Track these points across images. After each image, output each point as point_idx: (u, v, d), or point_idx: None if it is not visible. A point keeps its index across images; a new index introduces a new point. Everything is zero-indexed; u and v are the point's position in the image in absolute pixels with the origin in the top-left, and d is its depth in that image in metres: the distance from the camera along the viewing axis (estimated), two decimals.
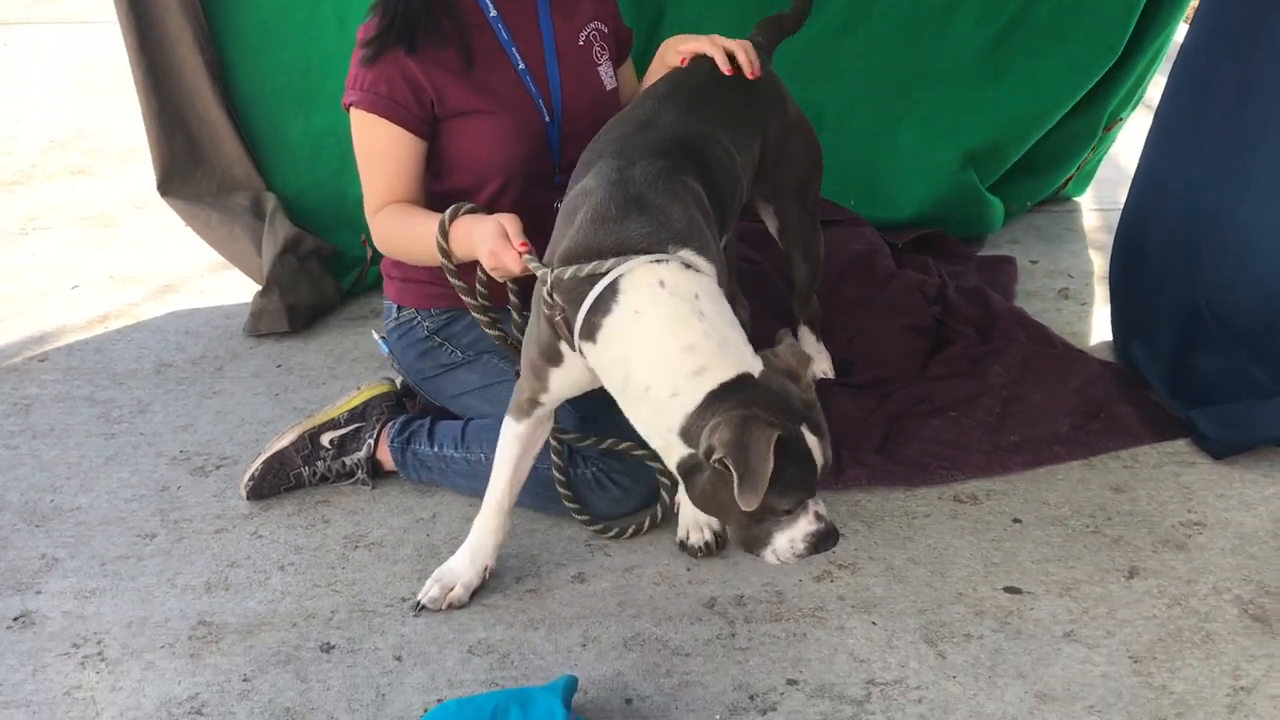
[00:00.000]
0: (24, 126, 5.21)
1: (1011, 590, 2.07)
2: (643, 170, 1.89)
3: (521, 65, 2.28)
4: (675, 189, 1.88)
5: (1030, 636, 1.96)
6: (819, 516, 1.75)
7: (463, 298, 2.11)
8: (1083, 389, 2.66)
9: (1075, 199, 3.90)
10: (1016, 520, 2.27)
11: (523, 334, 2.04)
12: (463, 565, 2.07)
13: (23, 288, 3.47)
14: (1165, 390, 2.61)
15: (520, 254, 1.91)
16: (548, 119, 2.31)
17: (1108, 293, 3.13)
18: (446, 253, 2.09)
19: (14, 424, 2.71)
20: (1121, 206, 2.95)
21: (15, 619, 2.07)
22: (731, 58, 2.21)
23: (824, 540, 1.75)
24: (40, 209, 4.15)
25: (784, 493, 1.68)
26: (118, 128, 5.08)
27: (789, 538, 1.74)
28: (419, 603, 2.04)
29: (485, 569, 2.09)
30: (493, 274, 2.03)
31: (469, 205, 2.11)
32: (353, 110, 2.23)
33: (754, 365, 1.73)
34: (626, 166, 1.90)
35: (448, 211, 2.09)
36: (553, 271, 1.82)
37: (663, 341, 1.72)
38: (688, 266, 1.78)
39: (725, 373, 1.69)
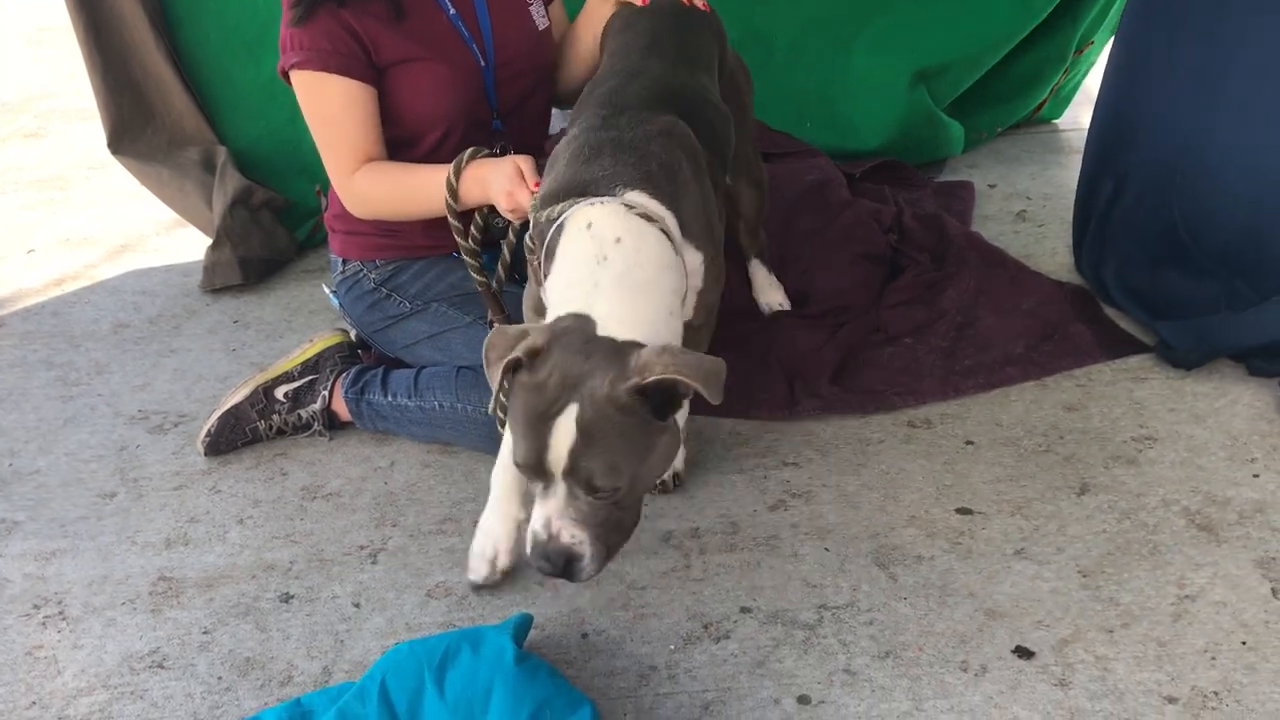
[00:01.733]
0: None
1: (963, 511, 2.10)
2: (629, 117, 1.88)
3: (452, 11, 2.26)
4: (655, 131, 1.84)
5: (981, 555, 1.98)
6: (548, 524, 1.56)
7: (457, 239, 2.12)
8: (1036, 310, 2.67)
9: (1054, 121, 3.90)
10: (969, 442, 2.29)
11: (507, 274, 2.15)
12: (498, 526, 1.95)
13: None
14: (1136, 308, 2.61)
15: (532, 194, 1.91)
16: (483, 63, 2.28)
17: (1065, 214, 3.14)
18: (455, 198, 2.10)
19: None
20: (1079, 127, 2.94)
21: None
22: None
23: (534, 554, 1.57)
24: None
25: (515, 437, 1.57)
26: (70, 89, 5.03)
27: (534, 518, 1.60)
28: (475, 584, 1.96)
29: (518, 523, 1.94)
30: (509, 216, 2.02)
31: (484, 150, 2.11)
32: (295, 73, 2.18)
33: (604, 317, 1.60)
34: (613, 115, 1.88)
35: (459, 158, 2.09)
36: (533, 215, 1.82)
37: (560, 281, 1.68)
38: (630, 208, 1.72)
39: (567, 309, 1.62)
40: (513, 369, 1.57)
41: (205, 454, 2.36)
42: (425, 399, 2.27)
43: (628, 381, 1.50)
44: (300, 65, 2.16)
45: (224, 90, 3.32)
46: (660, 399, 1.54)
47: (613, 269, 1.65)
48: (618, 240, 1.68)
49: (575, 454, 1.51)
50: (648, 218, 1.72)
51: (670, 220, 1.77)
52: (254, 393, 2.35)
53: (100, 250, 3.43)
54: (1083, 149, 3.00)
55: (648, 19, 2.20)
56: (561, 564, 1.56)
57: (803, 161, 3.23)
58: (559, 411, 1.51)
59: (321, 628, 1.92)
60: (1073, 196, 3.03)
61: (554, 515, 1.55)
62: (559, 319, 1.62)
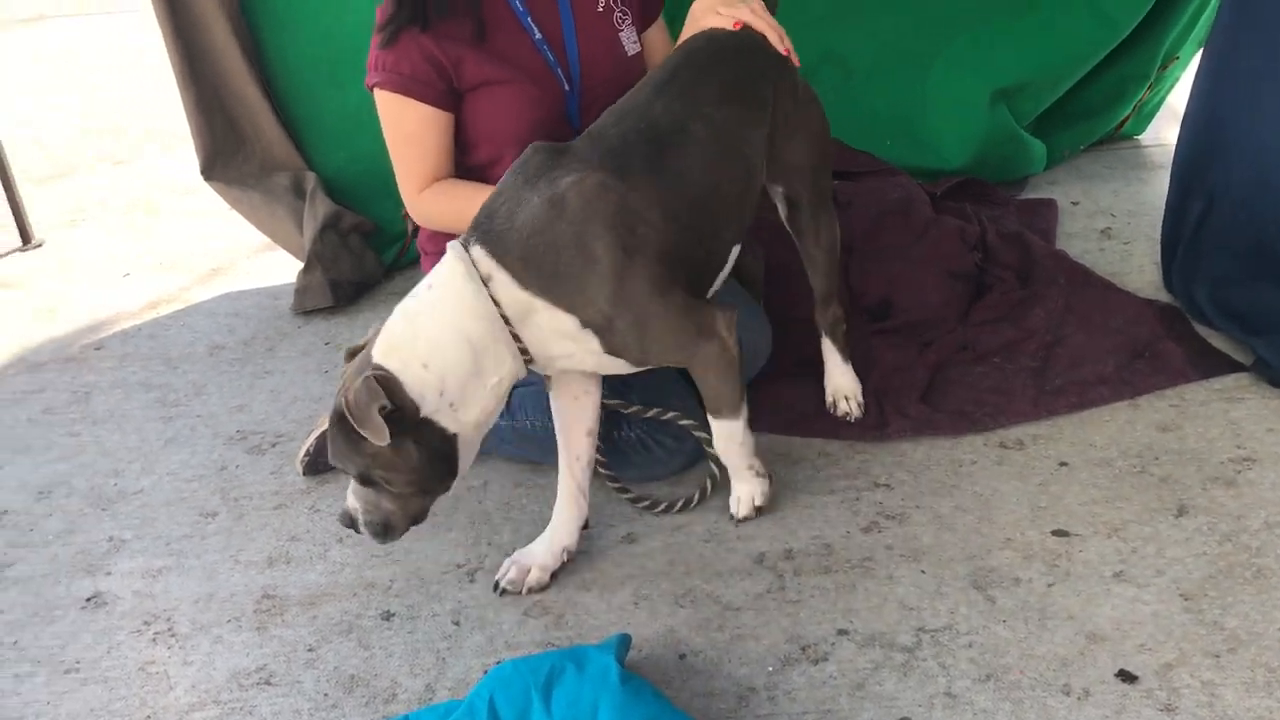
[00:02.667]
0: (64, 119, 5.30)
1: (1059, 533, 2.08)
2: (556, 173, 1.87)
3: (538, 35, 2.29)
4: (562, 194, 1.83)
5: (1079, 578, 1.97)
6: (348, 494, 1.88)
7: None
8: (1126, 329, 2.64)
9: (1136, 137, 3.86)
10: (1063, 463, 2.27)
11: None
12: (541, 548, 2.08)
13: (75, 277, 3.55)
14: (1231, 324, 2.58)
15: None
16: (566, 87, 2.31)
17: (1151, 231, 3.11)
18: None
19: (75, 412, 2.79)
20: (1162, 142, 2.91)
21: (88, 599, 2.14)
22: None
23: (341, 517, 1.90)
24: (85, 200, 4.24)
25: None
26: (155, 116, 5.17)
27: None
28: (498, 583, 2.06)
29: (564, 550, 2.09)
30: None
31: None
32: (377, 91, 2.25)
33: (379, 347, 1.78)
34: (548, 160, 1.90)
35: None
36: None
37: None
38: (462, 258, 1.81)
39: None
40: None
41: (304, 474, 2.42)
42: (517, 418, 2.31)
43: (338, 400, 1.77)
44: (381, 85, 2.24)
45: (312, 117, 3.41)
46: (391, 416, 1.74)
47: (407, 306, 1.83)
48: (429, 287, 1.83)
49: (327, 443, 1.84)
50: (475, 273, 1.81)
51: (503, 279, 1.81)
52: None
53: (193, 274, 3.52)
54: (1168, 165, 2.96)
55: (683, 52, 2.16)
56: (344, 519, 1.90)
57: (885, 180, 3.23)
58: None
59: (423, 645, 1.95)
60: (1158, 213, 3.00)
61: (349, 490, 1.88)
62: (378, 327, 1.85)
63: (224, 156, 3.43)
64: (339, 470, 1.88)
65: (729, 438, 2.09)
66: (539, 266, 1.81)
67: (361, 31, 2.33)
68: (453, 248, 1.84)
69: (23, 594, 2.17)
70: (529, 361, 1.87)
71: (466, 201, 2.19)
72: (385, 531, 1.87)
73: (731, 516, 2.18)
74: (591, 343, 1.86)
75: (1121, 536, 2.06)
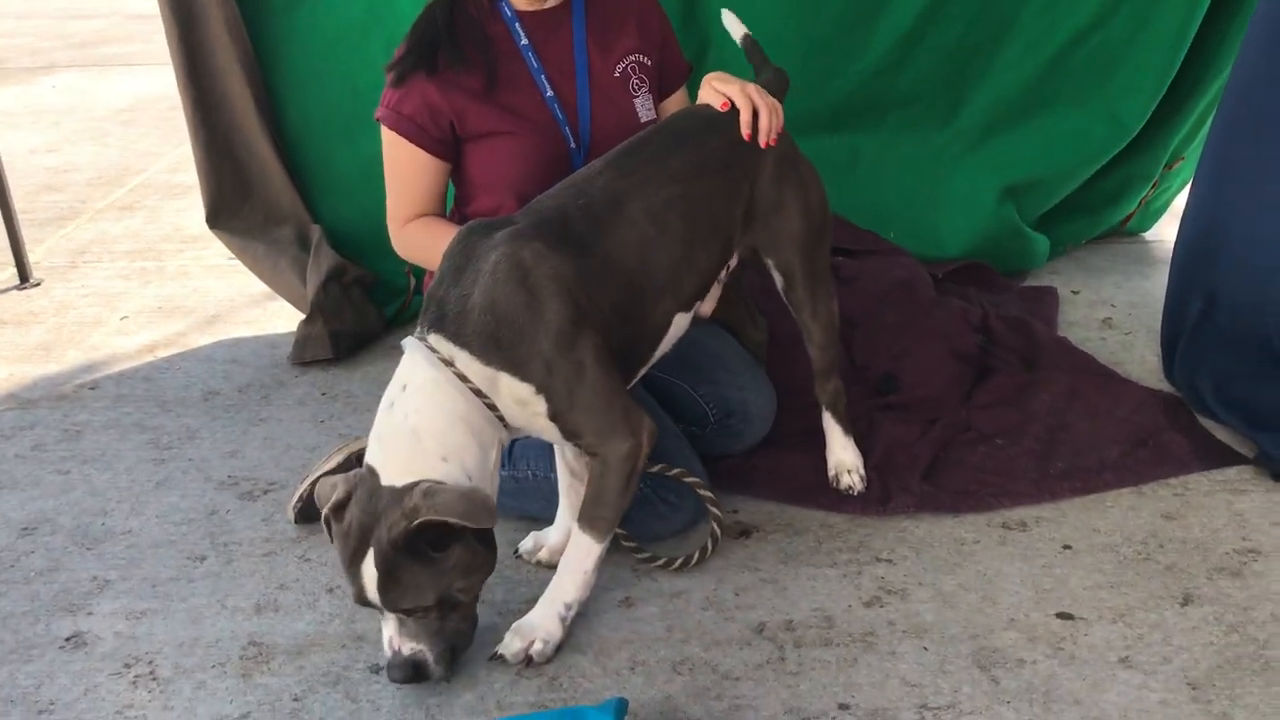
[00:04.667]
0: (74, 165, 5.32)
1: (1064, 616, 2.05)
2: (491, 241, 1.89)
3: (550, 93, 2.32)
4: (497, 265, 1.85)
5: (1084, 663, 1.93)
6: (390, 643, 1.83)
7: None
8: (1130, 417, 2.64)
9: (1141, 233, 3.91)
10: (1067, 547, 2.25)
11: None
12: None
13: (73, 318, 3.52)
14: (1235, 418, 2.58)
15: None
16: (573, 145, 2.33)
17: (1151, 323, 3.13)
18: None
19: (65, 449, 2.74)
20: (1163, 239, 2.94)
21: (67, 639, 2.08)
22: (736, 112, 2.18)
23: (389, 671, 1.84)
24: (90, 243, 4.23)
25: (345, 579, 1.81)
26: (163, 164, 5.20)
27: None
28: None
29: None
30: None
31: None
32: (381, 125, 2.31)
33: (384, 469, 1.79)
34: (483, 234, 1.92)
35: None
36: None
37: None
38: (429, 351, 1.84)
39: (367, 459, 1.83)
40: (330, 519, 1.84)
41: (296, 521, 2.37)
42: (519, 468, 2.28)
43: (399, 528, 1.72)
44: (383, 120, 2.30)
45: (322, 170, 3.41)
46: (436, 532, 1.74)
47: (393, 418, 1.83)
48: (404, 387, 1.84)
49: (382, 590, 1.76)
50: (443, 361, 1.83)
51: (464, 358, 1.83)
52: (346, 460, 2.36)
53: (192, 320, 3.50)
54: (1168, 262, 2.99)
55: (655, 128, 2.21)
56: (411, 672, 1.82)
57: (888, 259, 3.25)
58: (361, 558, 1.76)
59: (412, 701, 1.89)
60: (1159, 305, 3.02)
61: (393, 635, 1.83)
62: (358, 471, 1.84)
63: (230, 206, 3.42)
64: (391, 612, 1.80)
65: (580, 558, 1.99)
66: (495, 340, 1.84)
67: (375, 89, 2.36)
68: (408, 343, 1.87)
69: (0, 631, 2.10)
70: (506, 426, 1.91)
71: (444, 240, 2.20)
72: (454, 656, 1.88)
73: (495, 653, 1.97)
74: (541, 406, 1.88)
75: (1127, 622, 2.03)
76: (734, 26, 2.53)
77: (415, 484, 1.75)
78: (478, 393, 1.84)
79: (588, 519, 1.97)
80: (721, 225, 2.15)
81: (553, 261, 1.87)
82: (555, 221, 1.94)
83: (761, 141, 2.18)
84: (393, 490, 1.76)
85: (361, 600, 1.79)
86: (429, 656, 1.82)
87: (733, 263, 2.26)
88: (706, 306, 2.28)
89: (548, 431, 1.94)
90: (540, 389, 1.86)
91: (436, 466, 1.78)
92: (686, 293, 2.12)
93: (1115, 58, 3.35)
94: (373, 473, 1.80)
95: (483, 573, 1.84)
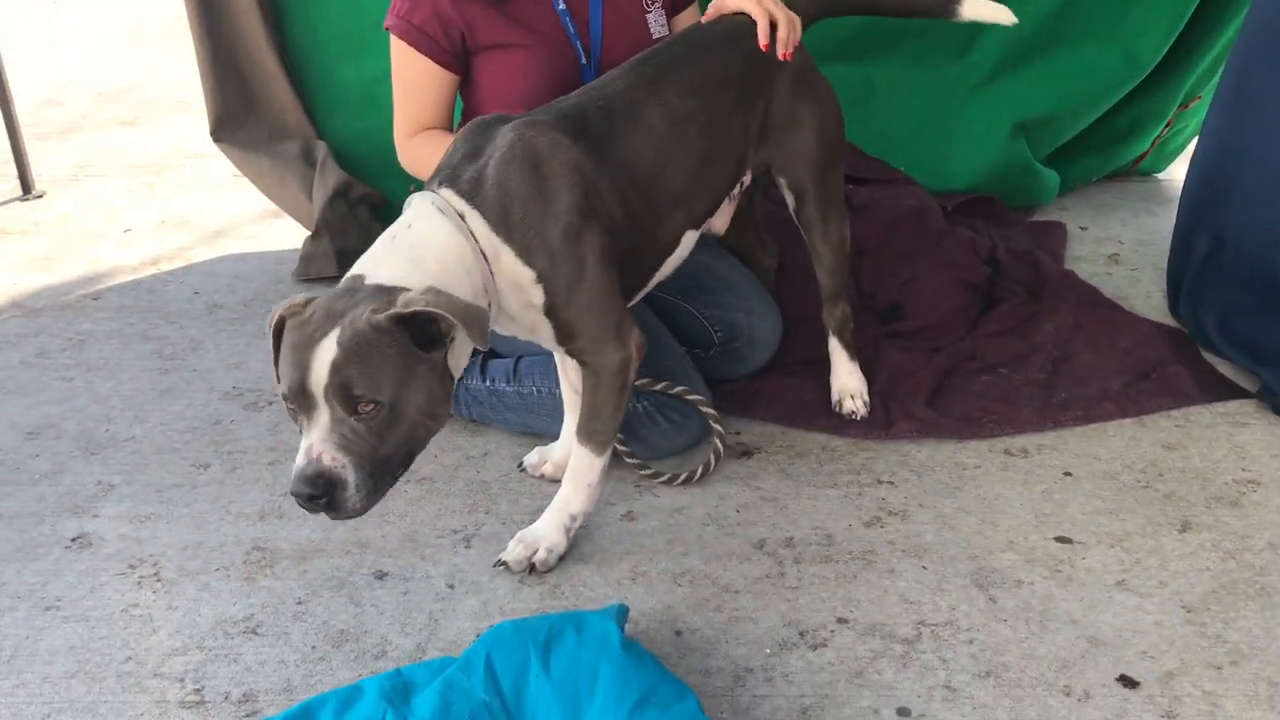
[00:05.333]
0: (77, 80, 5.26)
1: (1062, 540, 2.06)
2: (511, 127, 1.87)
3: (562, 5, 2.28)
4: (513, 143, 1.83)
5: (1081, 584, 1.95)
6: (308, 451, 1.56)
7: None
8: (1134, 349, 2.64)
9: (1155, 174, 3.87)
10: (1067, 474, 2.26)
11: None
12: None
13: (75, 230, 3.51)
14: (1239, 353, 2.58)
15: None
16: (584, 60, 2.31)
17: (1158, 260, 3.12)
18: None
19: (69, 358, 2.75)
20: (1172, 178, 2.92)
21: (73, 540, 2.10)
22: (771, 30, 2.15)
23: (295, 482, 1.56)
24: (92, 157, 4.20)
25: (281, 371, 1.61)
26: (166, 81, 5.14)
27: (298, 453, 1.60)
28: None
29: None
30: None
31: None
32: (390, 34, 2.28)
33: (382, 276, 1.66)
34: (500, 121, 1.90)
35: None
36: None
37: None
38: (436, 200, 1.79)
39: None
40: (279, 331, 1.64)
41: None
42: (524, 384, 2.29)
43: (388, 311, 1.57)
44: (392, 29, 2.27)
45: (326, 88, 3.38)
46: (423, 334, 1.60)
47: (394, 244, 1.74)
48: (409, 226, 1.76)
49: (335, 367, 1.54)
50: (451, 212, 1.78)
51: (475, 217, 1.80)
52: None
53: (195, 234, 3.49)
54: (1177, 200, 2.97)
55: (673, 38, 2.18)
56: (323, 487, 1.54)
57: (899, 188, 3.23)
58: (321, 337, 1.56)
59: (415, 606, 1.91)
60: (1166, 242, 3.01)
61: (316, 440, 1.56)
62: (347, 285, 1.68)
63: (235, 119, 3.39)
64: (334, 400, 1.61)
65: (581, 472, 1.99)
66: (506, 212, 1.81)
67: (381, 6, 2.34)
68: (419, 194, 1.82)
69: (6, 530, 2.12)
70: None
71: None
72: (374, 492, 1.60)
73: (500, 560, 1.99)
74: (538, 297, 1.85)
75: (1124, 547, 2.04)
76: None
77: (405, 288, 1.62)
78: (482, 256, 1.80)
79: (585, 433, 1.98)
80: (736, 141, 2.13)
81: (571, 153, 1.86)
82: (575, 118, 1.93)
83: (779, 53, 2.15)
84: (380, 287, 1.63)
85: (295, 389, 1.57)
86: (350, 476, 1.56)
87: (746, 180, 2.24)
88: (719, 223, 2.26)
89: (539, 328, 1.91)
90: (541, 278, 1.83)
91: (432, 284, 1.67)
92: (698, 209, 2.11)
93: (1119, 11, 3.30)
94: (357, 277, 1.68)
95: (439, 418, 1.67)
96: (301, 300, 1.65)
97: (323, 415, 1.57)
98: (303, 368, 1.55)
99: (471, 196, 1.81)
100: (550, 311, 1.87)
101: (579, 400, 2.10)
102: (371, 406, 1.56)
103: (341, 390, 1.54)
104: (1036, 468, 2.28)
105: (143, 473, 2.30)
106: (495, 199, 1.81)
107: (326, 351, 1.54)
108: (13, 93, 3.71)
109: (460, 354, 1.72)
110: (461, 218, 1.79)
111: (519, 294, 1.85)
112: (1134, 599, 1.91)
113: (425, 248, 1.73)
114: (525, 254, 1.82)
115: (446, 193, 1.81)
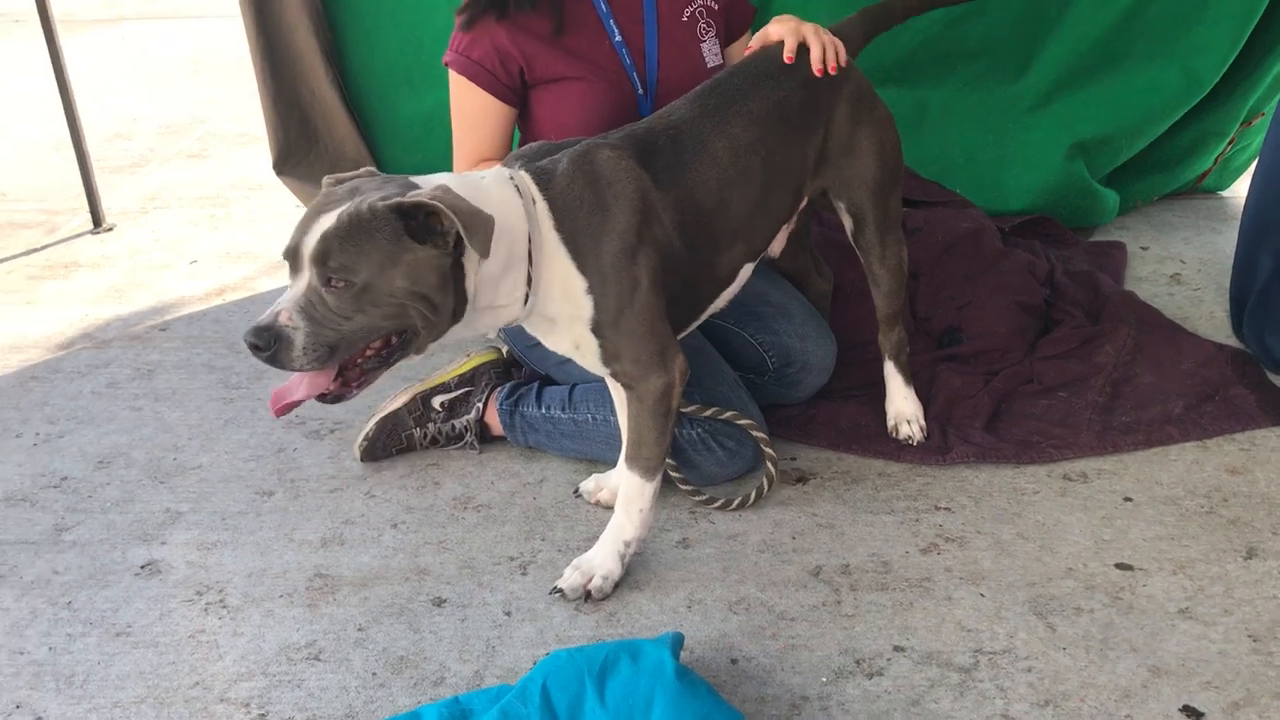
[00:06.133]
0: (143, 114, 5.40)
1: (1123, 567, 2.04)
2: (587, 145, 1.92)
3: (618, 37, 2.31)
4: (583, 158, 1.88)
5: (1143, 612, 1.93)
6: (273, 308, 1.66)
7: None
8: (1196, 371, 2.60)
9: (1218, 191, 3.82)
10: (1128, 499, 2.23)
11: None
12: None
13: (144, 262, 3.60)
14: None
15: None
16: (640, 92, 2.33)
17: (1221, 279, 3.07)
18: None
19: (138, 387, 2.82)
20: (1235, 195, 2.87)
21: (143, 566, 2.15)
22: (806, 51, 2.16)
23: (247, 331, 1.65)
24: (159, 190, 4.30)
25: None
26: (230, 115, 5.26)
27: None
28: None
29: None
30: None
31: None
32: (449, 69, 2.31)
33: (458, 183, 1.74)
34: (570, 141, 1.95)
35: None
36: None
37: None
38: (511, 176, 1.84)
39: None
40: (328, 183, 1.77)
41: (361, 459, 2.42)
42: (579, 411, 2.31)
43: (392, 200, 1.65)
44: (451, 64, 2.31)
45: (385, 120, 3.45)
46: (424, 229, 1.66)
47: (461, 180, 1.78)
48: (482, 177, 1.81)
49: (323, 238, 1.63)
50: (525, 192, 1.83)
51: (543, 207, 1.84)
52: (412, 400, 2.41)
53: (258, 264, 3.56)
54: (1239, 217, 2.92)
55: (733, 68, 2.17)
56: (266, 340, 1.64)
57: (955, 210, 3.21)
58: (330, 210, 1.66)
59: (473, 633, 1.94)
60: (1229, 261, 2.96)
61: (285, 299, 1.67)
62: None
63: (297, 154, 3.48)
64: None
65: (632, 497, 2.00)
66: (571, 215, 1.85)
67: (440, 40, 2.38)
68: (498, 169, 1.85)
69: (79, 557, 2.18)
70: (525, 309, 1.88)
71: None
72: (333, 355, 1.67)
73: (555, 588, 2.02)
74: (586, 310, 1.87)
75: (1188, 574, 2.01)
76: None
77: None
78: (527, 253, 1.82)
79: (632, 459, 1.99)
80: (795, 169, 2.14)
81: (637, 175, 1.89)
82: (644, 143, 1.95)
83: (815, 69, 2.14)
84: (409, 182, 1.74)
85: (290, 250, 1.67)
86: (299, 341, 1.65)
87: (802, 205, 2.25)
88: (775, 246, 2.27)
89: (583, 345, 1.91)
90: (591, 290, 1.86)
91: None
92: (758, 241, 2.12)
93: (1192, 12, 3.26)
94: (406, 177, 1.77)
95: (428, 309, 1.70)
96: (347, 176, 1.77)
97: (302, 280, 1.67)
98: (303, 232, 1.67)
99: (545, 186, 1.85)
100: (596, 328, 1.88)
101: None
102: (343, 283, 1.64)
103: (320, 260, 1.64)
104: (1096, 493, 2.25)
105: (209, 500, 2.35)
106: (562, 200, 1.85)
107: (324, 223, 1.64)
108: (84, 128, 3.81)
109: (483, 263, 1.75)
110: (533, 202, 1.83)
111: (567, 302, 1.87)
112: (1198, 627, 1.89)
113: (485, 202, 1.75)
114: (580, 261, 1.85)
115: (523, 175, 1.86)
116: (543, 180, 1.86)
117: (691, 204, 1.97)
